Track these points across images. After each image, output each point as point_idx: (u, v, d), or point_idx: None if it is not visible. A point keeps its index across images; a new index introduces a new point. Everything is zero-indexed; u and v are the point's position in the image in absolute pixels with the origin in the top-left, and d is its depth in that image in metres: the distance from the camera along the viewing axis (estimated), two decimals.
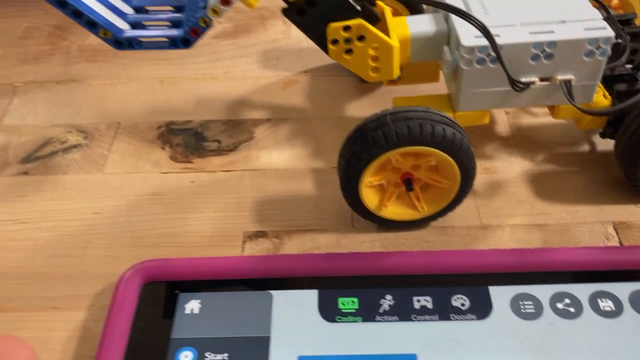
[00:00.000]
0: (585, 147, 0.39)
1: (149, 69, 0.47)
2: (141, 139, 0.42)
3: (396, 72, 0.35)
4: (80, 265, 0.34)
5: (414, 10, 0.41)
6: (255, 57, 0.48)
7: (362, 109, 0.43)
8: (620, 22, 0.38)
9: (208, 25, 0.29)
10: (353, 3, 0.33)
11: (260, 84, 0.46)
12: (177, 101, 0.45)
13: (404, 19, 0.36)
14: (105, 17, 0.29)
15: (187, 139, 0.41)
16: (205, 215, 0.37)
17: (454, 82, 0.35)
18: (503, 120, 0.41)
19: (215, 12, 0.28)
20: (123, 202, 0.37)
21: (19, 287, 0.33)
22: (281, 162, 0.40)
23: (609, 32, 0.32)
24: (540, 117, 0.41)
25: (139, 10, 0.31)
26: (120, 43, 0.29)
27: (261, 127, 0.42)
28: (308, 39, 0.33)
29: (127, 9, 0.30)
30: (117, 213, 0.37)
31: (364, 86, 0.45)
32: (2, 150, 0.41)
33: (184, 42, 0.29)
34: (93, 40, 0.51)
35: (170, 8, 0.31)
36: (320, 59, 0.47)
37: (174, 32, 0.29)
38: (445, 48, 0.34)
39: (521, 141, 0.40)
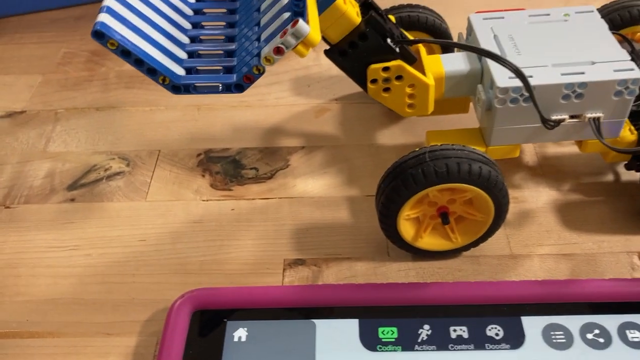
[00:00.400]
0: (611, 177, 0.41)
1: (185, 97, 0.49)
2: (182, 166, 0.43)
3: (431, 109, 0.37)
4: (129, 292, 0.36)
5: (445, 48, 0.43)
6: (287, 84, 0.50)
7: (393, 136, 0.45)
8: None
9: (261, 72, 0.30)
10: (392, 46, 0.34)
11: (293, 111, 0.48)
12: (214, 129, 0.46)
13: (439, 58, 0.38)
14: (164, 63, 0.30)
15: (225, 167, 0.43)
16: (246, 242, 0.38)
17: (487, 118, 0.36)
18: (530, 150, 0.43)
19: (268, 60, 0.30)
20: (167, 229, 0.39)
21: (72, 313, 0.35)
22: (317, 189, 0.41)
23: (637, 74, 0.34)
24: (566, 146, 0.43)
25: (192, 54, 0.33)
26: (178, 88, 0.30)
27: (296, 154, 0.44)
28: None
29: (182, 55, 0.32)
30: (161, 240, 0.39)
31: (394, 114, 0.46)
32: (48, 177, 0.43)
33: (237, 87, 0.31)
34: (130, 66, 0.52)
35: (222, 52, 0.33)
36: (350, 86, 0.49)
37: (228, 78, 0.31)
38: (480, 87, 0.36)
39: (548, 170, 0.42)
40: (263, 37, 0.31)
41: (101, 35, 0.28)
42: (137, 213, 0.40)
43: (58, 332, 0.34)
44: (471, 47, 0.35)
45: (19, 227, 0.40)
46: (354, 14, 0.34)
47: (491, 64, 0.35)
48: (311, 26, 0.30)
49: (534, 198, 0.40)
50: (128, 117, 0.48)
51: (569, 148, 0.43)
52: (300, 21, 0.29)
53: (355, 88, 0.49)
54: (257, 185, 0.42)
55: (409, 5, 0.43)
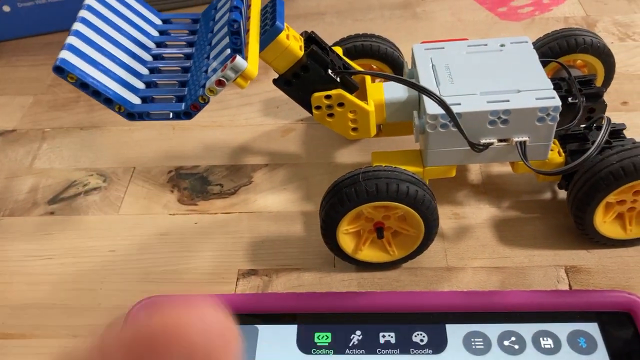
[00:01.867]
0: (547, 195, 0.44)
1: None
2: (154, 182, 0.47)
3: (373, 132, 0.40)
4: (97, 298, 0.40)
5: (396, 67, 0.46)
6: (257, 105, 0.54)
7: (350, 156, 0.48)
8: (580, 83, 0.42)
9: (206, 102, 0.34)
10: (333, 76, 0.38)
11: (260, 131, 0.51)
12: (186, 147, 0.50)
13: (381, 85, 0.41)
14: (120, 93, 0.34)
15: (193, 183, 0.47)
16: (206, 254, 0.42)
17: (422, 141, 0.40)
18: (475, 169, 0.46)
19: (211, 91, 0.33)
20: (135, 241, 0.43)
21: (43, 317, 0.39)
22: (275, 205, 0.45)
23: (557, 102, 0.37)
24: (508, 166, 0.45)
25: (149, 84, 0.36)
26: (132, 115, 0.34)
27: (259, 172, 0.47)
28: None
29: (139, 85, 0.36)
30: (129, 251, 0.42)
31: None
32: (32, 192, 0.47)
33: (185, 115, 0.34)
34: None
35: (176, 82, 0.37)
36: None
37: (177, 107, 0.34)
38: (415, 113, 0.39)
39: (490, 189, 0.44)
40: (210, 69, 0.35)
41: (61, 70, 0.32)
42: (110, 226, 0.44)
43: (30, 334, 0.38)
44: (401, 80, 0.38)
45: (1, 238, 0.44)
46: (297, 48, 0.37)
47: (423, 94, 0.38)
48: (249, 62, 0.33)
49: (474, 214, 0.43)
50: (109, 136, 0.52)
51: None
52: (238, 57, 0.32)
53: None
54: (221, 201, 0.45)
55: (364, 35, 0.47)
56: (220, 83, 0.33)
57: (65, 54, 0.33)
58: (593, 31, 0.47)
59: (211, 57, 0.36)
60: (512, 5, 0.63)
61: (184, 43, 0.40)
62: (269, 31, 0.35)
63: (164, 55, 0.39)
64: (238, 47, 0.33)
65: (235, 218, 0.44)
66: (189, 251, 0.42)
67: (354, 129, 0.40)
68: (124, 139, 0.51)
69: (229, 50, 0.34)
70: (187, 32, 0.41)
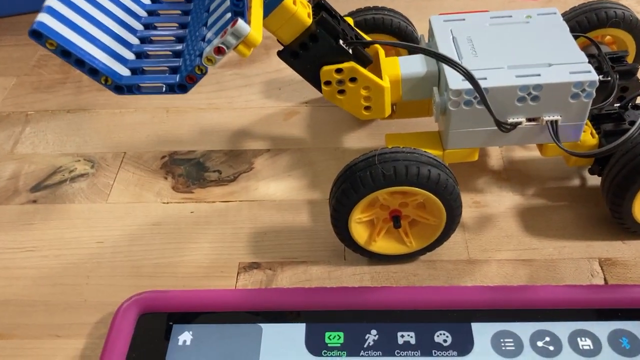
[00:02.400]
0: (576, 182, 0.40)
1: (156, 99, 0.49)
2: (145, 168, 0.43)
3: (387, 111, 0.37)
4: (82, 294, 0.36)
5: (410, 41, 0.42)
6: (258, 87, 0.50)
7: (359, 140, 0.44)
8: (611, 60, 0.39)
9: (203, 72, 0.30)
10: (344, 47, 0.34)
11: (262, 114, 0.47)
12: (181, 131, 0.46)
13: (397, 60, 0.37)
14: (106, 64, 0.30)
15: (189, 169, 0.43)
16: (203, 245, 0.38)
17: (442, 121, 0.36)
18: (496, 154, 0.42)
19: (209, 60, 0.29)
20: (125, 231, 0.39)
21: (23, 315, 0.35)
22: (279, 193, 0.41)
23: (594, 76, 0.33)
24: (532, 150, 0.42)
25: (139, 55, 0.33)
26: (121, 88, 0.30)
27: (261, 157, 0.44)
28: None
29: (128, 55, 0.32)
30: (119, 242, 0.38)
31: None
32: (13, 179, 0.43)
33: (180, 88, 0.31)
34: None
35: (169, 53, 0.33)
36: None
37: (171, 78, 0.31)
38: (435, 89, 0.35)
39: (512, 175, 0.41)
40: (207, 37, 0.31)
41: (39, 34, 0.28)
42: (97, 215, 0.40)
43: (8, 334, 0.34)
44: (422, 49, 0.34)
45: None
46: (305, 14, 0.33)
47: (446, 67, 0.34)
48: (253, 26, 0.29)
49: (496, 203, 0.39)
50: (97, 119, 0.48)
51: (536, 152, 0.42)
52: (240, 21, 0.29)
53: None
54: (219, 188, 0.42)
55: (374, 8, 0.43)
56: (219, 50, 0.29)
57: (44, 17, 0.29)
58: (622, 4, 0.43)
59: (209, 23, 0.32)
60: None
61: (179, 11, 0.36)
62: None
63: (156, 24, 0.35)
64: (240, 9, 0.29)
65: (235, 207, 0.40)
66: (185, 243, 0.38)
67: (367, 108, 0.36)
68: (114, 122, 0.48)
69: (229, 15, 0.30)
70: (182, 0, 0.37)
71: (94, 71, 0.30)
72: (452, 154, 0.36)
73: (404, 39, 0.43)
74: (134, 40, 0.33)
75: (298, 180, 0.42)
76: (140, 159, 0.44)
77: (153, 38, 0.34)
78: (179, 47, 0.33)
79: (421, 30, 0.43)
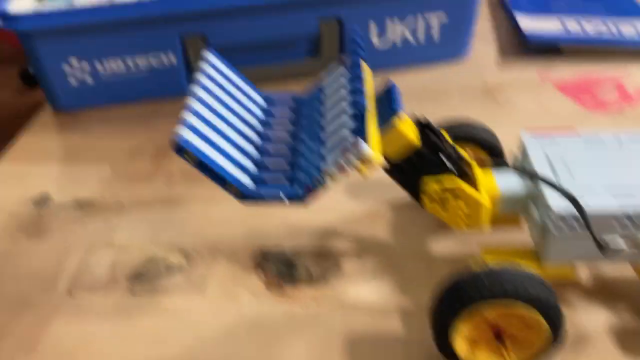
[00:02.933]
0: None
1: None
2: (238, 264, 0.45)
3: (485, 224, 0.38)
4: None
5: (495, 154, 0.44)
6: (343, 186, 0.52)
7: (447, 247, 0.45)
8: None
9: (323, 186, 0.32)
10: (446, 162, 0.36)
11: (347, 214, 0.49)
12: (270, 226, 0.48)
13: (492, 175, 0.39)
14: (233, 174, 0.32)
15: (280, 267, 0.44)
16: (297, 351, 0.39)
17: (542, 241, 0.37)
18: (585, 267, 0.43)
19: (330, 176, 0.31)
20: (221, 329, 0.40)
21: None
22: (370, 297, 0.42)
23: None
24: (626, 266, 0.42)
25: (259, 166, 0.35)
26: (245, 197, 0.32)
27: (349, 258, 0.45)
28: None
29: (250, 166, 0.34)
30: (213, 339, 0.39)
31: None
32: (111, 267, 0.45)
33: (300, 199, 0.33)
34: None
35: (286, 165, 0.35)
36: (401, 192, 0.50)
37: (291, 190, 0.33)
38: (533, 209, 0.37)
39: (603, 291, 0.41)
40: (325, 153, 0.33)
41: (180, 148, 0.31)
42: (193, 310, 0.41)
43: None
44: (530, 173, 0.36)
45: (80, 316, 0.41)
46: (413, 135, 0.36)
47: (545, 188, 0.36)
48: (372, 147, 0.31)
49: (588, 320, 0.39)
50: (189, 212, 0.50)
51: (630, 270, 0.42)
52: (362, 142, 0.31)
53: (406, 195, 0.50)
54: (310, 288, 0.43)
55: (464, 121, 0.45)
56: (341, 168, 0.31)
57: (184, 132, 0.31)
58: None
59: (325, 139, 0.34)
60: (597, 96, 0.61)
61: (289, 123, 0.39)
62: (389, 118, 0.34)
63: (269, 135, 0.38)
64: (362, 131, 0.31)
65: (327, 309, 0.41)
66: (278, 345, 0.39)
67: (466, 220, 0.38)
68: (205, 215, 0.50)
69: (348, 134, 0.32)
70: (289, 111, 0.40)
71: (223, 181, 0.32)
72: (550, 272, 0.37)
73: (489, 150, 0.44)
74: (253, 151, 0.36)
75: (388, 285, 0.43)
76: (234, 254, 0.46)
77: (268, 148, 0.36)
78: (295, 159, 0.35)
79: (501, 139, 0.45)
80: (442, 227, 0.47)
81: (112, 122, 0.62)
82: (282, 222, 0.48)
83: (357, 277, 0.43)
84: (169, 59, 0.62)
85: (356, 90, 0.30)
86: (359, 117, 0.31)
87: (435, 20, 0.64)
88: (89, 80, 0.62)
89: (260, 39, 0.61)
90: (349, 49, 0.36)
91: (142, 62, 0.61)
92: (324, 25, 0.62)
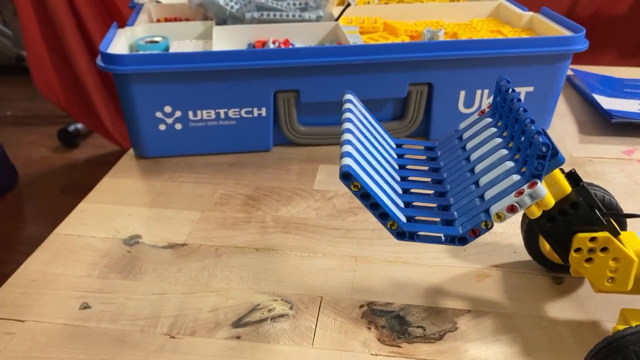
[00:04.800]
0: None
1: (341, 247, 0.50)
2: (345, 315, 0.43)
3: (631, 285, 0.36)
4: None
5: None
6: (443, 246, 0.50)
7: (562, 311, 0.43)
8: None
9: (489, 228, 0.31)
10: (600, 217, 0.35)
11: (452, 273, 0.47)
12: (373, 282, 0.46)
13: (635, 234, 0.38)
14: (392, 209, 0.31)
15: (391, 322, 0.42)
16: None
17: None
18: None
19: (499, 217, 0.30)
20: None
21: None
22: (490, 358, 0.39)
23: None
24: None
25: (407, 205, 0.34)
26: (404, 234, 0.31)
27: (463, 318, 0.43)
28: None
29: (401, 203, 0.33)
30: None
31: (561, 287, 0.45)
32: (213, 311, 0.43)
33: (461, 240, 0.31)
34: (285, 213, 0.54)
35: (435, 205, 0.34)
36: (508, 255, 0.49)
37: (452, 230, 0.31)
38: None
39: None
40: (488, 195, 0.32)
41: (348, 176, 0.30)
42: (302, 358, 0.39)
43: None
44: None
45: (184, 358, 0.39)
46: (566, 182, 0.35)
47: None
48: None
49: None
50: (287, 260, 0.48)
51: None
52: (539, 184, 0.30)
53: (513, 257, 0.48)
54: (427, 346, 0.40)
55: (587, 183, 0.44)
56: (512, 209, 0.30)
57: (349, 161, 0.31)
58: None
59: (482, 183, 0.34)
60: None
61: (425, 166, 0.38)
62: (551, 161, 0.33)
63: (408, 176, 0.37)
64: (539, 172, 0.30)
65: None
66: None
67: (611, 279, 0.36)
68: (304, 265, 0.48)
69: (516, 177, 0.31)
70: (424, 157, 0.39)
71: (384, 215, 0.31)
72: None
73: (612, 211, 0.43)
74: (399, 190, 0.35)
75: (508, 347, 0.40)
76: (338, 306, 0.44)
77: (413, 190, 0.35)
78: (444, 201, 0.34)
79: None
80: (555, 291, 0.45)
81: (197, 170, 0.62)
82: (388, 278, 0.47)
83: (476, 337, 0.41)
84: (260, 112, 0.62)
85: (534, 131, 0.30)
86: (542, 158, 0.30)
87: (523, 93, 0.65)
88: (178, 127, 0.62)
89: None
90: (500, 97, 0.36)
91: (233, 113, 0.62)
92: (413, 88, 0.63)
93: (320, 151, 0.66)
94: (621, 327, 0.34)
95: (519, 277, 0.47)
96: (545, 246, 0.44)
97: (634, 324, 0.35)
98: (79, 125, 1.82)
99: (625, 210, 0.46)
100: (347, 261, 0.48)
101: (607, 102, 0.72)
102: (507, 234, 0.51)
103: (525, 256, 0.48)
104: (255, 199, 0.57)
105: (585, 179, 0.60)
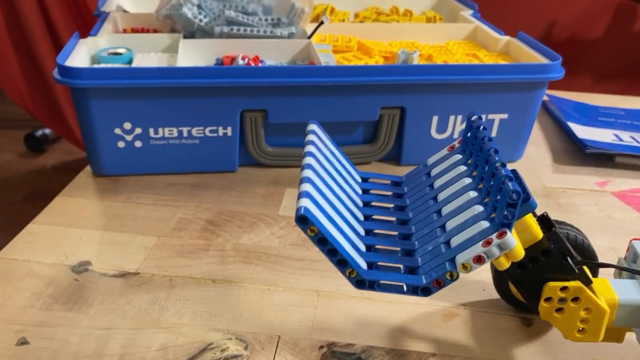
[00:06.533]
0: None
1: (304, 280, 0.47)
2: (303, 358, 0.40)
3: (602, 336, 0.34)
4: None
5: (588, 258, 0.41)
6: None
7: (531, 356, 0.41)
8: None
9: (454, 278, 0.28)
10: (573, 265, 0.33)
11: (418, 311, 0.45)
12: (336, 320, 0.44)
13: (607, 282, 0.36)
14: (352, 256, 0.29)
15: None
16: None
17: None
18: None
19: (465, 267, 0.28)
20: None
21: None
22: None
23: None
24: None
25: (368, 248, 0.31)
26: (363, 283, 0.29)
27: None
28: None
29: (362, 247, 0.31)
30: None
31: (530, 329, 0.43)
32: (162, 350, 0.40)
33: (424, 291, 0.29)
34: (247, 240, 0.52)
35: (398, 249, 0.32)
36: (477, 292, 0.47)
37: (416, 280, 0.29)
38: None
39: None
40: (454, 242, 0.30)
41: (304, 220, 0.27)
42: None
43: None
44: None
45: None
46: (538, 228, 0.33)
47: None
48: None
49: None
50: (245, 294, 0.46)
51: None
52: (509, 233, 0.28)
53: (482, 295, 0.46)
54: None
55: (557, 222, 0.42)
56: (479, 260, 0.28)
57: (307, 203, 0.28)
58: None
59: (448, 228, 0.31)
60: None
61: (391, 204, 0.36)
62: (522, 207, 0.31)
63: (373, 215, 0.35)
64: (509, 221, 0.28)
65: None
66: None
67: (581, 330, 0.34)
68: (263, 299, 0.45)
69: (485, 224, 0.29)
70: (390, 193, 0.37)
71: (342, 262, 0.29)
72: None
73: (585, 255, 0.41)
74: (362, 232, 0.32)
75: None
76: (297, 347, 0.41)
77: (376, 231, 0.33)
78: (409, 245, 0.32)
79: None
80: (524, 334, 0.43)
81: (157, 190, 0.59)
82: (351, 316, 0.44)
83: None
84: (225, 131, 0.59)
85: (505, 177, 0.28)
86: (512, 206, 0.28)
87: (497, 120, 0.63)
88: (138, 145, 0.59)
89: (320, 119, 0.59)
90: (471, 134, 0.34)
91: (197, 132, 0.59)
92: (385, 112, 0.61)
93: (288, 173, 0.63)
94: None
95: (487, 318, 0.45)
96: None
97: None
98: (47, 131, 1.76)
99: (597, 246, 0.44)
100: (309, 296, 0.46)
101: (581, 131, 0.71)
102: (476, 270, 0.49)
103: (495, 294, 0.46)
104: (216, 225, 0.54)
105: (558, 211, 0.59)
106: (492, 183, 0.29)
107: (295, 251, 0.51)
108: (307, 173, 0.31)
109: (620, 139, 0.69)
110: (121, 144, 0.58)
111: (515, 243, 0.27)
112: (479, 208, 0.30)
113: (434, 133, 0.63)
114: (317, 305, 0.45)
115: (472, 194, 0.31)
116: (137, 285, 0.46)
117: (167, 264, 0.49)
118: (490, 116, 0.63)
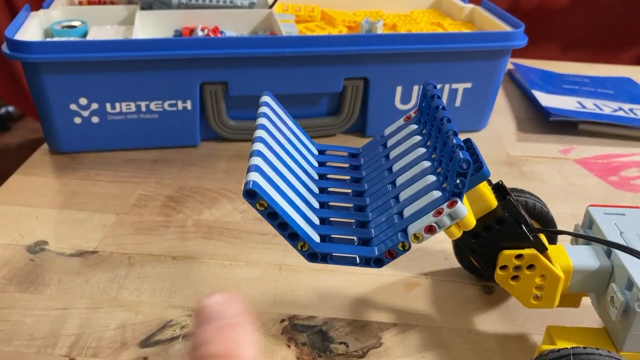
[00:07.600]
0: None
1: (266, 254, 0.47)
2: (265, 332, 0.40)
3: (557, 302, 0.35)
4: None
5: (548, 225, 0.41)
6: None
7: (492, 323, 0.42)
8: None
9: (406, 249, 0.28)
10: (527, 233, 0.33)
11: (380, 282, 0.45)
12: (297, 293, 0.43)
13: (563, 248, 0.36)
14: (304, 229, 0.29)
15: (312, 338, 0.40)
16: None
17: (621, 321, 0.34)
18: None
19: (417, 238, 0.28)
20: None
21: None
22: None
23: None
24: None
25: (322, 221, 0.31)
26: (315, 256, 0.28)
27: (388, 332, 0.41)
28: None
29: (316, 220, 0.30)
30: None
31: (491, 297, 0.44)
32: (120, 329, 0.39)
33: (377, 262, 0.29)
34: (208, 216, 0.51)
35: (353, 221, 0.31)
36: (439, 262, 0.47)
37: (368, 251, 0.29)
38: (614, 286, 0.34)
39: None
40: (407, 212, 0.30)
41: (253, 194, 0.27)
42: None
43: None
44: (617, 245, 0.33)
45: None
46: (492, 196, 0.33)
47: (627, 263, 0.33)
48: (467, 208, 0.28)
49: None
50: (206, 270, 0.45)
51: None
52: (459, 203, 0.27)
53: (444, 265, 0.47)
54: None
55: (515, 190, 0.42)
56: (430, 229, 0.28)
57: (256, 177, 0.28)
58: None
59: (402, 198, 0.31)
60: (622, 175, 0.60)
61: (347, 176, 0.35)
62: (474, 176, 0.31)
63: (328, 188, 0.34)
64: (460, 190, 0.28)
65: None
66: None
67: (537, 297, 0.34)
68: (224, 275, 0.45)
69: (437, 193, 0.29)
70: (347, 165, 0.36)
71: (294, 236, 0.28)
72: (627, 356, 0.34)
73: (542, 221, 0.42)
74: (316, 205, 0.32)
75: None
76: (258, 321, 0.41)
77: (331, 204, 0.33)
78: (363, 217, 0.31)
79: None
80: (485, 302, 0.43)
81: (116, 167, 0.57)
82: (313, 288, 0.44)
83: (400, 354, 0.39)
84: (185, 105, 0.58)
85: (456, 145, 0.27)
86: (462, 175, 0.27)
87: (461, 89, 0.63)
88: (95, 121, 0.57)
89: (282, 91, 0.59)
90: (426, 104, 0.33)
91: (155, 106, 0.57)
92: (349, 83, 0.60)
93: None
94: (546, 348, 0.33)
95: (449, 287, 0.45)
96: None
97: (558, 344, 0.34)
98: (10, 108, 1.72)
99: (559, 213, 0.44)
100: (271, 270, 0.46)
101: (545, 99, 0.71)
102: (438, 239, 0.49)
103: (456, 263, 0.46)
104: (176, 201, 0.53)
105: (521, 179, 0.59)
106: (443, 152, 0.29)
107: (257, 226, 0.50)
108: (258, 146, 0.30)
109: (584, 107, 0.70)
110: (78, 120, 0.57)
111: (466, 212, 0.27)
112: (431, 178, 0.30)
113: (398, 104, 0.63)
114: (279, 279, 0.45)
115: (426, 164, 0.31)
116: (95, 264, 0.45)
117: (126, 241, 0.48)
118: (454, 85, 0.62)
